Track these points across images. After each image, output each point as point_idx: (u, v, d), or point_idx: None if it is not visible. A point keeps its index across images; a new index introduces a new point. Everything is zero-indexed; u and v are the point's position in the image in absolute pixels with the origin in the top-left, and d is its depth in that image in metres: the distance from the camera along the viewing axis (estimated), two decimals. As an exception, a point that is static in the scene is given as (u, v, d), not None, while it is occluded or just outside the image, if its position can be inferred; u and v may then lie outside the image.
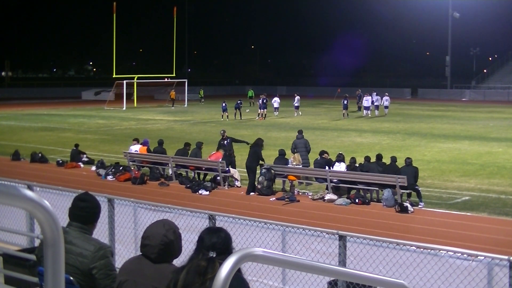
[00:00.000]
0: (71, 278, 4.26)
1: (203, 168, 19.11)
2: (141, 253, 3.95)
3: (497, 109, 51.49)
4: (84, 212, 4.51)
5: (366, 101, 43.94)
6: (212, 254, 3.24)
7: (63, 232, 4.60)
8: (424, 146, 26.72)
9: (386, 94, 46.80)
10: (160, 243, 3.79)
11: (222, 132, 20.56)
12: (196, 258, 3.28)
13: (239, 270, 3.31)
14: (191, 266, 3.22)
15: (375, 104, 44.56)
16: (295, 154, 19.09)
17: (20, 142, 28.27)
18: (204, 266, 3.17)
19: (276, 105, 43.73)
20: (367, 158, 17.47)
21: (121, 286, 3.92)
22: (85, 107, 54.52)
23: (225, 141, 19.66)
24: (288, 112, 44.84)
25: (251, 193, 16.93)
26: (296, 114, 43.30)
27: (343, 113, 42.36)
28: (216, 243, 3.33)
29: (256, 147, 17.58)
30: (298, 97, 43.93)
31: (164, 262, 3.82)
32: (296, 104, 43.58)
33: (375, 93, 46.91)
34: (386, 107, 45.37)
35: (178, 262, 4.06)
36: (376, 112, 44.37)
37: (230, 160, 18.45)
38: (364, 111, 43.95)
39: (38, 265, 4.66)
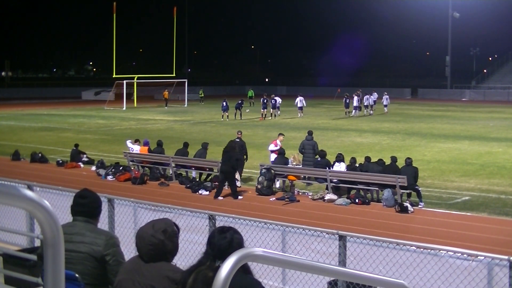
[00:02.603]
0: (77, 275, 4.29)
1: (207, 169, 19.04)
2: None
3: (497, 109, 51.50)
4: (86, 208, 4.62)
5: (356, 100, 44.13)
6: (219, 263, 3.22)
7: (70, 226, 4.66)
8: (424, 146, 26.72)
9: (385, 93, 47.36)
10: (148, 243, 3.78)
11: (238, 133, 20.26)
12: (204, 264, 3.28)
13: (249, 271, 3.33)
14: (198, 273, 3.22)
15: (365, 104, 45.20)
16: (295, 154, 19.08)
17: (20, 142, 28.27)
18: (211, 277, 3.16)
19: (277, 104, 43.71)
20: (367, 158, 17.47)
21: (120, 285, 3.94)
22: (85, 107, 54.52)
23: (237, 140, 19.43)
24: (288, 113, 44.80)
25: (219, 198, 16.33)
26: (299, 115, 43.04)
27: (345, 112, 43.67)
28: (221, 249, 3.30)
29: (232, 152, 16.91)
30: (301, 97, 43.40)
31: (157, 261, 3.82)
32: (299, 105, 43.30)
33: (375, 93, 47.23)
34: (385, 105, 45.98)
35: (178, 262, 4.07)
36: (366, 111, 44.92)
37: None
38: (353, 111, 44.20)
39: (41, 264, 4.68)
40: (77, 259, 4.35)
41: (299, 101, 43.15)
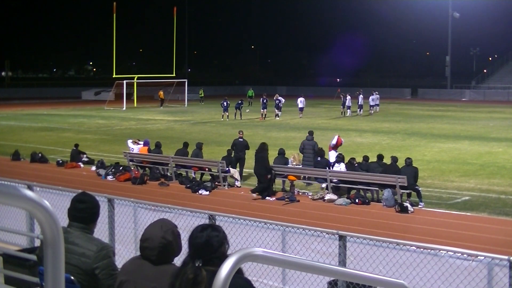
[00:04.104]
0: (72, 277, 4.25)
1: (206, 169, 19.04)
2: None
3: (497, 109, 51.50)
4: (84, 213, 4.51)
5: (348, 100, 44.15)
6: (198, 263, 3.15)
7: (64, 232, 4.59)
8: (424, 146, 26.72)
9: (376, 92, 47.47)
10: (158, 245, 3.76)
11: (240, 132, 20.32)
12: (187, 266, 3.21)
13: (240, 271, 3.28)
14: (182, 277, 3.16)
15: (358, 103, 45.43)
16: (295, 154, 19.07)
17: (20, 142, 28.26)
18: (191, 279, 3.11)
19: (280, 104, 43.33)
20: (366, 158, 17.51)
21: (121, 286, 3.91)
22: (85, 107, 54.52)
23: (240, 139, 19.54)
24: (288, 113, 44.75)
25: (267, 198, 16.38)
26: (299, 115, 42.67)
27: (342, 111, 44.32)
28: (197, 248, 3.23)
29: (263, 152, 16.96)
30: (302, 98, 43.03)
31: (165, 263, 3.81)
32: (300, 106, 42.94)
33: (375, 93, 47.25)
34: (377, 105, 46.24)
35: (178, 262, 4.06)
36: (360, 111, 45.07)
37: (230, 160, 18.44)
38: (347, 110, 44.29)
39: (39, 264, 4.66)
40: (67, 270, 4.26)
41: (300, 102, 42.93)
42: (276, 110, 42.20)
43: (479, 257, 7.28)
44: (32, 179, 14.23)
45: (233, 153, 18.96)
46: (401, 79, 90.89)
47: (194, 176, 19.23)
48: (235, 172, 18.23)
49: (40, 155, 22.69)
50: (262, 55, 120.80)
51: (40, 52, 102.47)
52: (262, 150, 17.02)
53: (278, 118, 41.47)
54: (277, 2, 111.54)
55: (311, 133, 19.43)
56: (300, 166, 18.25)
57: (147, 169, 19.90)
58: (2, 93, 69.45)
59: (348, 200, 15.78)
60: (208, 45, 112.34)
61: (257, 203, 15.93)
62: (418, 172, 16.08)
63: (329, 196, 16.14)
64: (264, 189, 16.55)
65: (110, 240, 9.43)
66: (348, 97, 44.29)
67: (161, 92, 56.15)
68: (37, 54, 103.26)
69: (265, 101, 41.46)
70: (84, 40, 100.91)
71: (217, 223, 8.79)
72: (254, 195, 16.52)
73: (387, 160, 16.97)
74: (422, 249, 7.55)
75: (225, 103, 40.80)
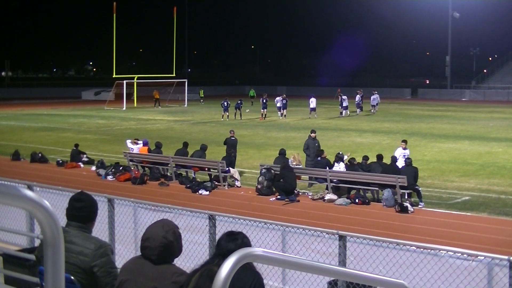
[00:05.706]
0: (72, 277, 4.26)
1: (206, 169, 19.05)
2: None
3: (497, 109, 51.49)
4: (82, 212, 4.53)
5: (344, 100, 44.06)
6: None
7: (62, 231, 4.58)
8: (424, 146, 26.71)
9: (376, 92, 47.41)
10: (159, 244, 3.78)
11: (231, 132, 20.93)
12: (211, 263, 3.30)
13: (252, 265, 3.37)
14: (204, 270, 3.25)
15: (356, 102, 45.36)
16: (295, 153, 19.09)
17: (20, 142, 28.26)
18: (216, 271, 3.18)
19: (279, 104, 43.18)
20: (365, 158, 17.52)
21: (121, 285, 3.92)
22: (85, 107, 54.51)
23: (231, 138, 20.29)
24: (288, 113, 44.72)
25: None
26: (310, 116, 42.21)
27: (340, 111, 44.29)
28: (231, 250, 3.33)
29: (291, 167, 17.11)
30: (314, 98, 42.59)
31: (165, 263, 3.82)
32: (311, 106, 42.58)
33: (376, 93, 47.19)
34: (376, 104, 46.39)
35: (178, 261, 4.07)
36: (358, 111, 45.08)
37: (229, 160, 18.46)
38: (343, 110, 44.20)
39: (38, 265, 4.66)
40: (65, 270, 4.25)
41: (312, 102, 42.37)
42: (284, 111, 42.11)
43: (479, 257, 7.28)
44: (32, 179, 14.23)
45: (232, 153, 19.17)
46: (401, 79, 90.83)
47: (194, 176, 19.23)
48: (235, 172, 18.24)
49: (40, 155, 22.69)
50: (262, 55, 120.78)
51: (40, 52, 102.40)
52: (287, 165, 16.98)
53: (282, 118, 41.47)
54: (277, 2, 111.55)
55: (313, 132, 19.77)
56: (300, 166, 18.26)
57: (147, 169, 19.91)
58: (2, 93, 69.40)
59: (348, 200, 15.78)
60: (208, 45, 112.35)
61: (257, 203, 15.93)
62: (418, 172, 16.09)
63: (329, 196, 16.14)
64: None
65: (110, 240, 9.43)
66: (345, 97, 44.23)
67: (156, 92, 55.97)
68: (37, 54, 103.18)
69: (265, 101, 41.39)
70: (84, 40, 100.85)
71: (217, 223, 8.80)
72: (284, 200, 16.27)
73: (387, 160, 16.97)
74: (422, 249, 7.56)
75: (225, 103, 40.74)
